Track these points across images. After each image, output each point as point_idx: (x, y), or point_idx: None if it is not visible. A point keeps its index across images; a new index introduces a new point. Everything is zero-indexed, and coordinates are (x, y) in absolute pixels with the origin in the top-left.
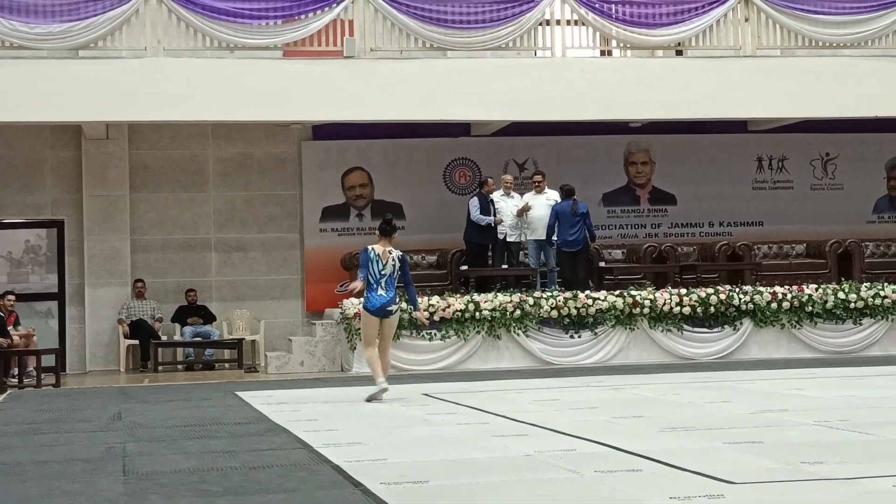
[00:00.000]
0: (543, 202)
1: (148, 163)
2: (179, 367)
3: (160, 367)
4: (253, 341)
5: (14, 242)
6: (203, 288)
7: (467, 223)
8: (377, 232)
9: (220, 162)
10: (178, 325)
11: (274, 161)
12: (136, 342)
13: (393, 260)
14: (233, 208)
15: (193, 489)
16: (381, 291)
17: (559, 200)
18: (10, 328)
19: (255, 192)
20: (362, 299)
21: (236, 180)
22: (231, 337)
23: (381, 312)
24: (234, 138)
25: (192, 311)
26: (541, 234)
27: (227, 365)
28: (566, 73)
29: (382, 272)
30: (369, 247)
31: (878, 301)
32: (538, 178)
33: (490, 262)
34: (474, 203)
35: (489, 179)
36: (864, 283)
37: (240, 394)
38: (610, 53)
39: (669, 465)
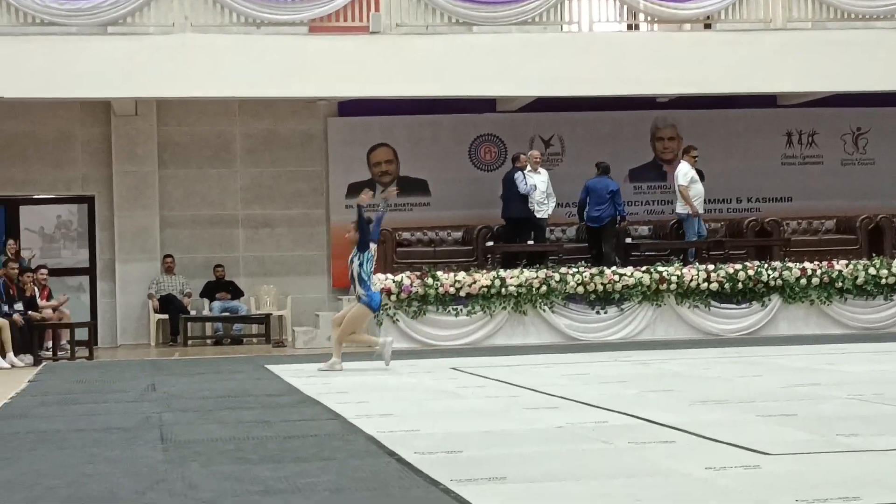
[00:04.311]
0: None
1: (176, 139)
2: (208, 341)
3: (189, 342)
4: (280, 316)
5: (46, 218)
6: (231, 263)
7: (510, 199)
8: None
9: (246, 138)
10: (206, 301)
11: (300, 137)
12: (166, 317)
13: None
14: (259, 185)
15: (231, 457)
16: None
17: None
18: (43, 302)
19: (282, 169)
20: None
21: (263, 157)
22: (258, 312)
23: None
24: (260, 115)
25: (220, 287)
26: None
27: (254, 339)
28: (593, 47)
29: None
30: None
31: None
32: (696, 152)
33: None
34: (520, 177)
35: (521, 155)
36: None
37: (269, 367)
38: (637, 27)
39: (703, 437)
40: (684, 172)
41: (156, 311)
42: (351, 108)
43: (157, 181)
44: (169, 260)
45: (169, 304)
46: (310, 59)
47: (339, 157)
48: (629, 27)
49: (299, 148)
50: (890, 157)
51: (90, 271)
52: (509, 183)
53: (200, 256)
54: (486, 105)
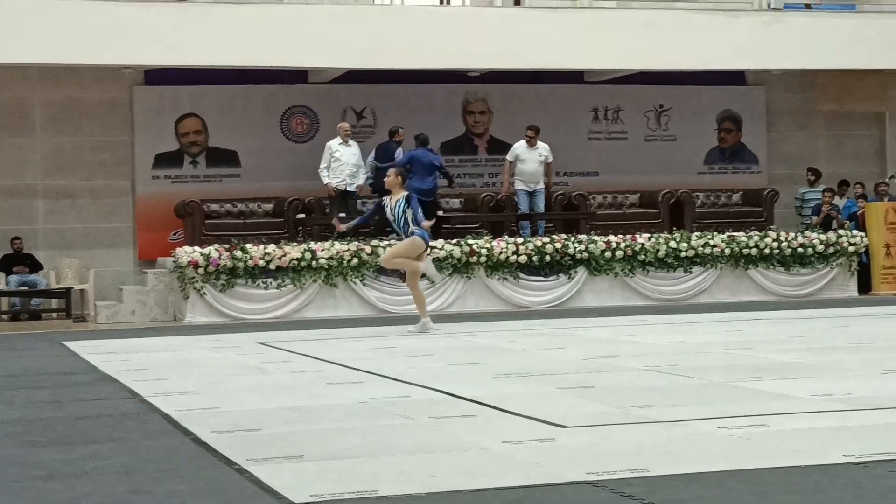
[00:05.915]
0: (535, 157)
1: None
2: (4, 316)
3: None
4: (82, 290)
5: None
6: (29, 236)
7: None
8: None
9: (47, 106)
10: (2, 274)
11: (104, 106)
12: None
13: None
14: (60, 154)
15: (17, 440)
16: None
17: (547, 156)
18: None
19: (85, 138)
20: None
21: (65, 125)
22: (59, 286)
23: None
24: (62, 82)
25: (17, 260)
26: (530, 186)
27: (54, 315)
28: (404, 20)
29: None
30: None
31: (707, 250)
32: (530, 132)
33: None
34: (400, 153)
35: (400, 129)
36: (695, 233)
37: (68, 344)
38: (449, 2)
39: (503, 411)
40: (511, 150)
41: None
42: (158, 76)
43: None
44: None
45: None
46: (115, 25)
47: (145, 127)
48: (441, 1)
49: (104, 117)
50: (690, 133)
51: None
52: (385, 155)
53: None
54: (297, 76)
